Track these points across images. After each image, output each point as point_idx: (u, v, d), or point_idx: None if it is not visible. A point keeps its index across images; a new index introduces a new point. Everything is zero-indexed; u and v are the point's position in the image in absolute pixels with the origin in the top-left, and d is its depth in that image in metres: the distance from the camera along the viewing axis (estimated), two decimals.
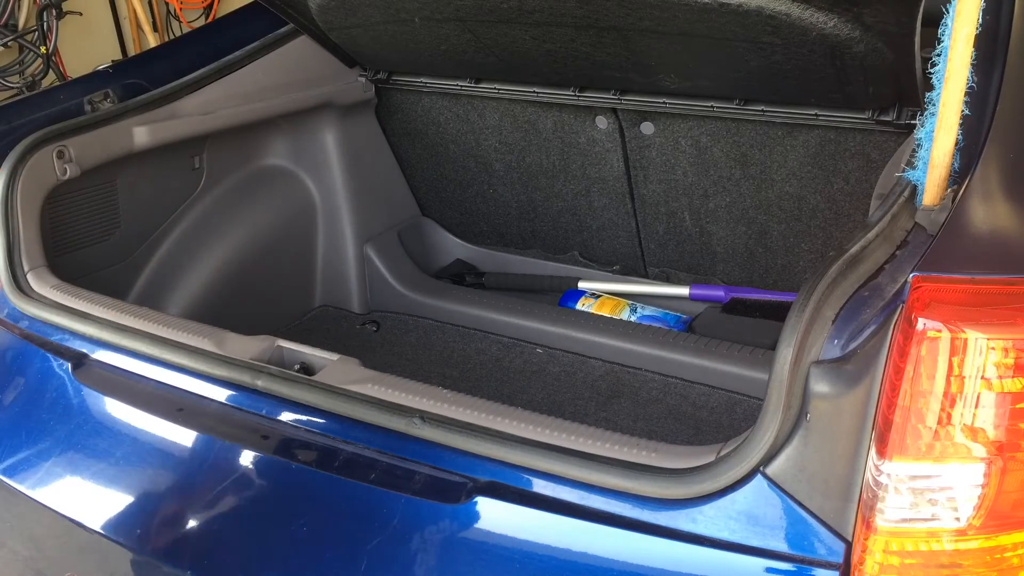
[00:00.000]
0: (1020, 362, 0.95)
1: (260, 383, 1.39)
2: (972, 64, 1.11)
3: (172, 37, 5.71)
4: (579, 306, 2.41)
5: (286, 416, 1.38)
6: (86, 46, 5.55)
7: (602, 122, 2.19)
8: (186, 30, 6.00)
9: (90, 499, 1.49)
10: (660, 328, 2.25)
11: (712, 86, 1.94)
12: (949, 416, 0.97)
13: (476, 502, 1.21)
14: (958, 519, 0.99)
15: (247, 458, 1.38)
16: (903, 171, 1.26)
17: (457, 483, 1.24)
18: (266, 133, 2.32)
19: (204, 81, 2.07)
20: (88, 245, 1.95)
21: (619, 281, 2.47)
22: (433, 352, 2.31)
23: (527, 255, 2.60)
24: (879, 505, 1.01)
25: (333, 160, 2.42)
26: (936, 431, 0.97)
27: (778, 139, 2.01)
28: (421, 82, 2.33)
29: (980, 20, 1.09)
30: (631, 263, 2.45)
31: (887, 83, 1.70)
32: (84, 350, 1.58)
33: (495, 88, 2.22)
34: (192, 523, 1.38)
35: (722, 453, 1.13)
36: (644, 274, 2.46)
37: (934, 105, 1.16)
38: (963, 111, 1.14)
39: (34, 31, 5.25)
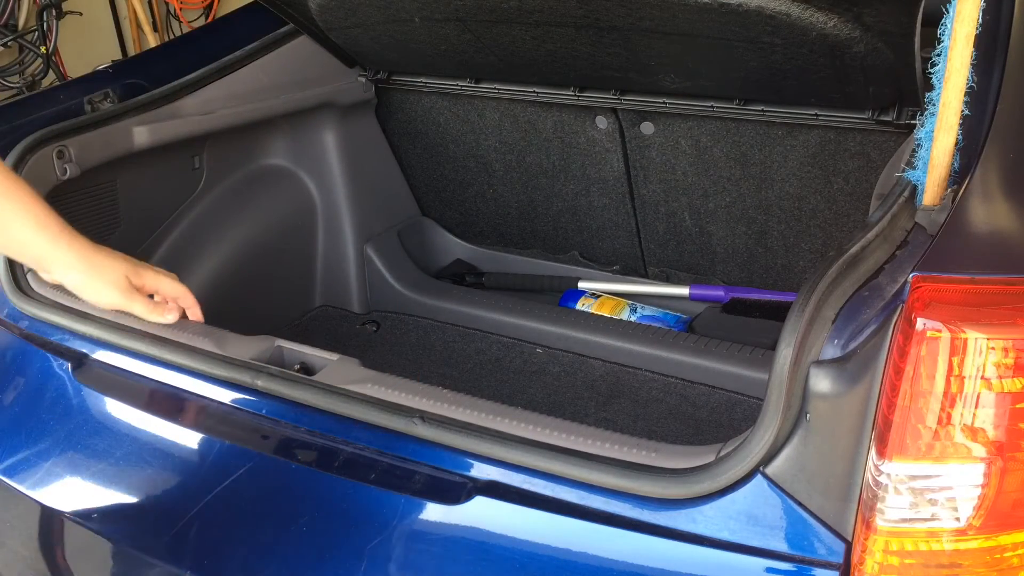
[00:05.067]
0: (1020, 362, 0.95)
1: (260, 383, 1.39)
2: (972, 64, 1.12)
3: (172, 37, 5.71)
4: (579, 306, 2.41)
5: (286, 416, 1.39)
6: (86, 46, 5.55)
7: (602, 122, 2.20)
8: (186, 30, 6.00)
9: (90, 499, 1.49)
10: (660, 328, 2.25)
11: (712, 86, 1.94)
12: (949, 416, 0.97)
13: (476, 502, 1.21)
14: (958, 519, 1.00)
15: (247, 458, 1.38)
16: (903, 171, 1.26)
17: (457, 483, 1.24)
18: (266, 133, 2.32)
19: (204, 81, 2.07)
20: None
21: (619, 281, 2.47)
22: (433, 352, 2.31)
23: (527, 255, 2.60)
24: (879, 505, 1.01)
25: (333, 160, 2.42)
26: (936, 431, 0.98)
27: (778, 139, 2.01)
28: (421, 82, 2.33)
29: (980, 20, 1.09)
30: (631, 263, 2.45)
31: (887, 83, 1.70)
32: (84, 350, 1.58)
33: (495, 88, 2.22)
34: (192, 523, 1.38)
35: (722, 453, 1.13)
36: (644, 274, 2.46)
37: (934, 105, 1.16)
38: (963, 111, 1.14)
39: (34, 31, 5.25)
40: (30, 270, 1.70)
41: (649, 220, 2.32)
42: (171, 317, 1.42)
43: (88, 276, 1.39)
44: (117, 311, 1.45)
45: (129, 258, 1.45)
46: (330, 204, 2.45)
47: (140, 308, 1.41)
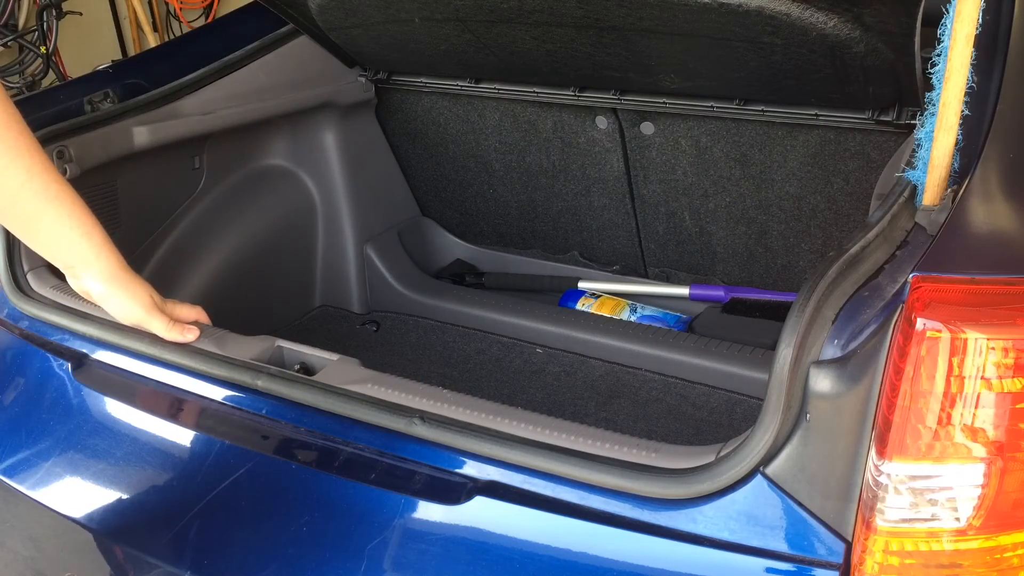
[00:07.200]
0: (1020, 362, 0.95)
1: (260, 383, 1.39)
2: (972, 64, 1.12)
3: (172, 37, 5.72)
4: (579, 306, 2.41)
5: (286, 416, 1.39)
6: (86, 46, 5.56)
7: (602, 122, 2.20)
8: (186, 30, 6.00)
9: (90, 499, 1.49)
10: (660, 328, 2.25)
11: (712, 86, 1.94)
12: (949, 416, 0.97)
13: (476, 502, 1.21)
14: (958, 519, 0.99)
15: (247, 458, 1.38)
16: (903, 171, 1.26)
17: (457, 483, 1.24)
18: (266, 133, 2.32)
19: (204, 81, 2.07)
20: None
21: (619, 281, 2.47)
22: (433, 352, 2.31)
23: (527, 255, 2.60)
24: (879, 505, 1.01)
25: (333, 160, 2.42)
26: (936, 431, 0.98)
27: (778, 139, 2.01)
28: (421, 82, 2.33)
29: (980, 20, 1.09)
30: (631, 263, 2.45)
31: (887, 83, 1.70)
32: (84, 350, 1.58)
33: (495, 88, 2.22)
34: (192, 523, 1.38)
35: (722, 453, 1.13)
36: (644, 274, 2.46)
37: (934, 105, 1.16)
38: (963, 111, 1.14)
39: (34, 31, 5.25)
40: (30, 270, 1.70)
41: (649, 220, 2.32)
42: (190, 336, 1.48)
43: (117, 289, 1.44)
44: (137, 327, 1.49)
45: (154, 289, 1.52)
46: (330, 204, 2.45)
47: (159, 326, 1.47)
